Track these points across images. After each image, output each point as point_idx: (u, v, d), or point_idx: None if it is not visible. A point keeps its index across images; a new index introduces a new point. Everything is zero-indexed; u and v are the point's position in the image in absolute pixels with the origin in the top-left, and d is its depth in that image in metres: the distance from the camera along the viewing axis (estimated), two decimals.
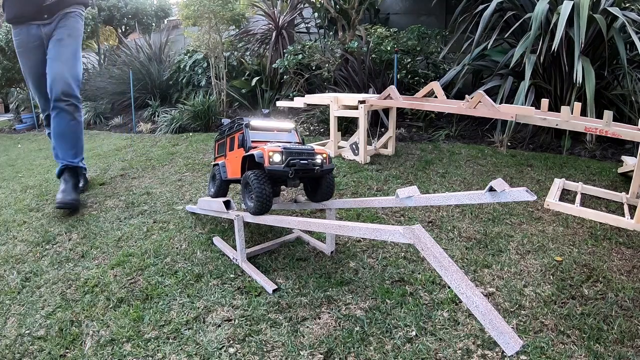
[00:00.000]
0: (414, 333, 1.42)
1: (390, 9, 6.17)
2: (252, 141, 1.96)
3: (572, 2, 3.18)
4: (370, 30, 5.23)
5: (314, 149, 1.83)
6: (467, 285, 0.92)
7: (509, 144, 3.84)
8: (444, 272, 0.96)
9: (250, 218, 1.82)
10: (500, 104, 3.28)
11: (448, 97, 3.53)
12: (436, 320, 1.48)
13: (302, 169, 1.73)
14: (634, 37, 3.02)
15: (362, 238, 2.09)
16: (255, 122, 2.04)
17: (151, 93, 6.88)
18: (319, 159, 1.80)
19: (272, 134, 2.06)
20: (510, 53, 3.84)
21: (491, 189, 1.25)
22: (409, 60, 4.94)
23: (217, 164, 2.28)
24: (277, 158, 1.72)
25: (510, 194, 1.20)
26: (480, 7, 3.93)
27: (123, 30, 10.39)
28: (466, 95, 3.03)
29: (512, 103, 3.56)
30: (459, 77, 4.31)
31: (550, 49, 3.24)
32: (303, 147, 1.84)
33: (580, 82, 3.11)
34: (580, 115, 2.50)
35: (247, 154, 1.86)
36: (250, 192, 1.77)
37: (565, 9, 3.12)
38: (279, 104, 4.22)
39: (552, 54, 3.39)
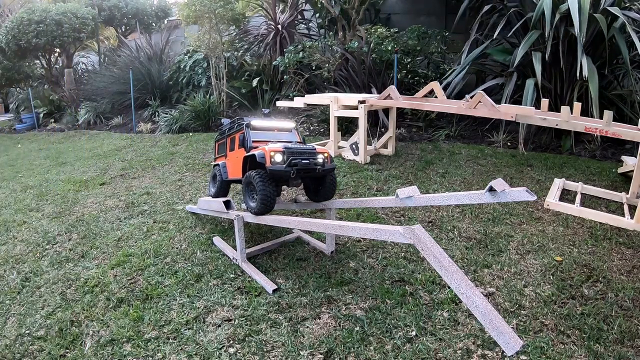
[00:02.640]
0: (414, 333, 1.42)
1: (390, 9, 6.18)
2: (253, 141, 1.96)
3: (577, 0, 3.17)
4: (371, 31, 5.23)
5: (315, 149, 1.83)
6: (467, 285, 0.92)
7: (508, 144, 3.83)
8: (444, 272, 0.96)
9: (250, 218, 1.82)
10: (504, 102, 3.26)
11: (448, 97, 3.52)
12: (436, 320, 1.48)
13: (304, 168, 1.73)
14: (634, 37, 3.01)
15: (362, 238, 2.09)
16: (255, 122, 2.04)
17: (151, 93, 6.88)
18: (320, 159, 1.80)
19: (272, 134, 2.06)
20: (515, 52, 3.81)
21: (491, 189, 1.25)
22: (409, 60, 4.94)
23: (218, 164, 2.28)
24: (278, 158, 1.72)
25: (510, 194, 1.20)
26: (486, 7, 3.92)
27: (123, 30, 10.39)
28: (466, 95, 3.03)
29: (518, 102, 3.56)
30: (461, 78, 4.29)
31: (554, 47, 3.21)
32: (304, 146, 1.84)
33: (586, 76, 3.08)
34: (584, 114, 2.49)
35: (248, 154, 1.86)
36: (253, 192, 1.77)
37: (572, 6, 3.11)
38: (279, 104, 4.22)
39: (555, 52, 3.38)
